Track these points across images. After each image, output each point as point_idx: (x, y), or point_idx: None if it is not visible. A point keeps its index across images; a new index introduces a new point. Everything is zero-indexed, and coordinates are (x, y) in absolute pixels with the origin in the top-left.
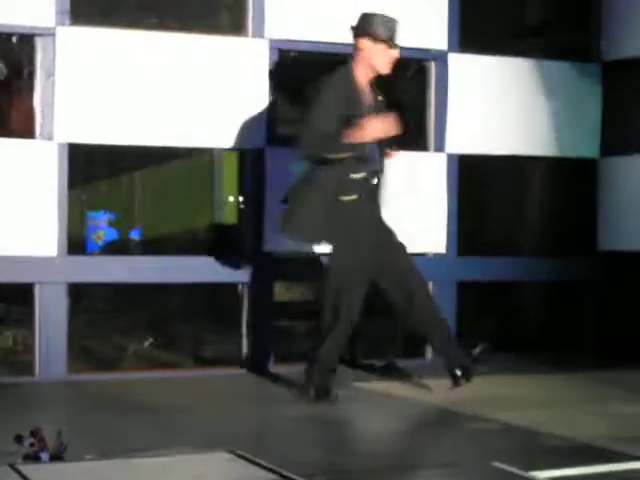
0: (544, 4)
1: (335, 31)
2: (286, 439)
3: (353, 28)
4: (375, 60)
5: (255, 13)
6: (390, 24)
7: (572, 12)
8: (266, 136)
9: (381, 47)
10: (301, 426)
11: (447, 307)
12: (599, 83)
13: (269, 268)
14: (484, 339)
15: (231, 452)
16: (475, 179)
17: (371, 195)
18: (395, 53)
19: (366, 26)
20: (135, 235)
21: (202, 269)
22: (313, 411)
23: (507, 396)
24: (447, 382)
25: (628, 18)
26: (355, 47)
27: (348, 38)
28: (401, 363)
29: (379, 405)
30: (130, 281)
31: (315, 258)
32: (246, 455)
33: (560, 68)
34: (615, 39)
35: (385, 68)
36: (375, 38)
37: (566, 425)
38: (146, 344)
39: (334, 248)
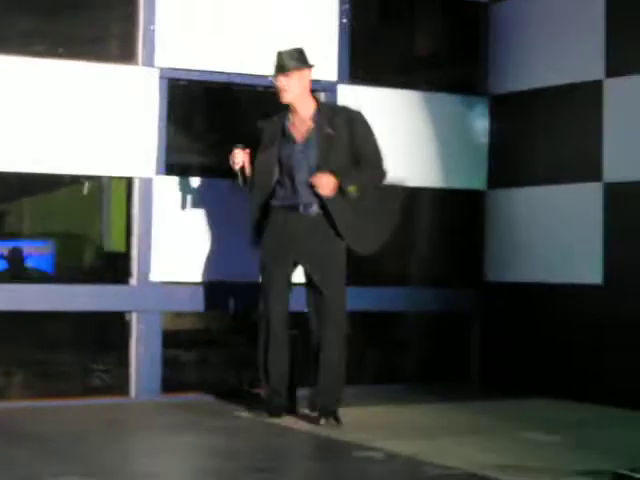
0: (434, 38)
1: (225, 61)
2: (173, 469)
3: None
4: None
5: (145, 42)
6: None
7: (461, 46)
8: (155, 165)
9: None
10: (189, 455)
11: None
12: (487, 116)
13: (156, 297)
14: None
15: None
16: None
17: None
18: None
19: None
20: (24, 262)
21: (89, 298)
22: (200, 441)
23: (392, 425)
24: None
25: (515, 53)
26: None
27: (237, 68)
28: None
29: (263, 435)
30: (16, 309)
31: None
32: None
33: (449, 101)
34: (503, 73)
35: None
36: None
37: (450, 454)
38: None
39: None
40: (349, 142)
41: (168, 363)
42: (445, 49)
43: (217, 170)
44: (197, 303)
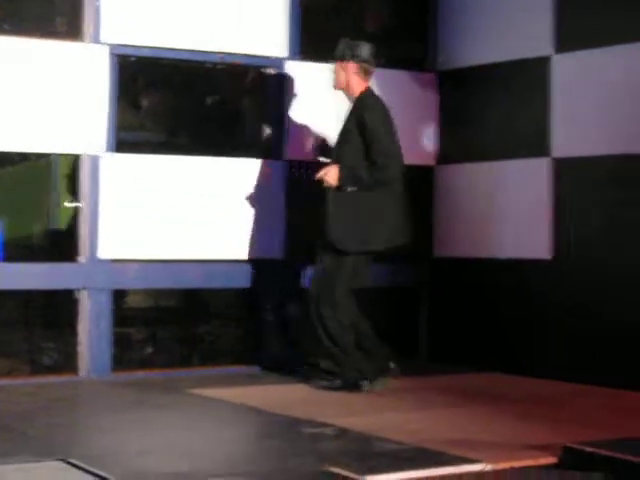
0: (383, 14)
1: (176, 37)
2: (123, 446)
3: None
4: None
5: (92, 18)
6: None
7: (410, 22)
8: (105, 142)
9: None
10: (137, 432)
11: (277, 316)
12: (436, 92)
13: (105, 274)
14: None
15: (65, 461)
16: (313, 186)
17: None
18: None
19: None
20: None
21: (38, 275)
22: (148, 417)
23: (342, 401)
24: (282, 387)
25: (464, 29)
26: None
27: (187, 44)
28: (236, 370)
29: (213, 411)
30: None
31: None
32: (80, 464)
33: (398, 76)
34: (450, 49)
35: None
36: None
37: (401, 430)
38: None
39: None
40: (360, 137)
41: (118, 341)
42: (394, 25)
43: (166, 147)
44: (146, 280)
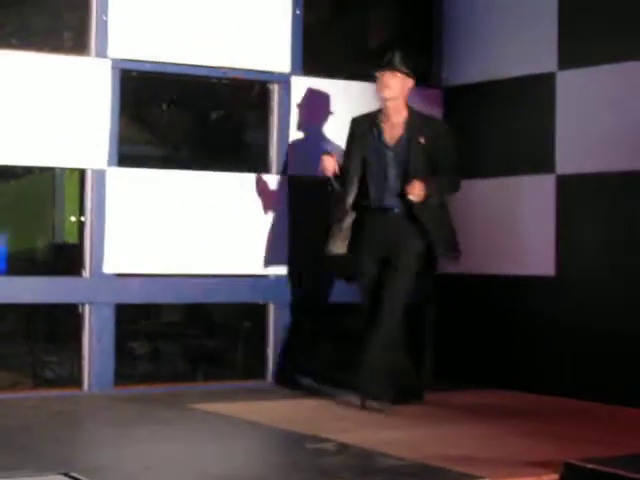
0: (387, 29)
1: (179, 52)
2: (125, 461)
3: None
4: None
5: (98, 33)
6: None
7: (415, 38)
8: (108, 156)
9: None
10: (139, 447)
11: (285, 330)
12: (440, 108)
13: (109, 289)
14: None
15: (67, 475)
16: (316, 201)
17: None
18: (380, 74)
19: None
20: None
21: (42, 289)
22: (150, 432)
23: (345, 417)
24: (286, 403)
25: (469, 45)
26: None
27: (191, 59)
28: (240, 385)
29: (216, 426)
30: None
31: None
32: (82, 478)
33: None
34: (456, 65)
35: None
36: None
37: (403, 445)
38: None
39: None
40: (433, 153)
41: (121, 355)
42: (398, 41)
43: (170, 161)
44: (149, 295)
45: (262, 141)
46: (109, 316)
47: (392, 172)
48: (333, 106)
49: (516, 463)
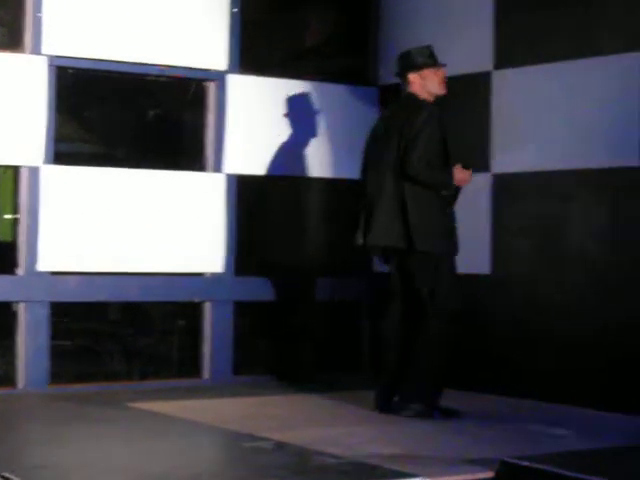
0: (324, 28)
1: (115, 49)
2: (59, 460)
3: (398, 72)
4: (430, 86)
5: (33, 29)
6: (423, 50)
7: (351, 36)
8: (43, 154)
9: (427, 72)
10: (74, 446)
11: (224, 327)
12: (375, 106)
13: (44, 287)
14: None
15: (1, 475)
16: (253, 200)
17: None
18: (443, 70)
19: (408, 63)
20: None
21: None
22: (85, 431)
23: (282, 415)
24: (223, 401)
25: (404, 43)
26: (408, 82)
27: (128, 56)
28: (176, 383)
29: (151, 425)
30: None
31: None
32: (15, 478)
33: (339, 91)
34: (391, 64)
35: (440, 89)
36: (419, 68)
37: (341, 444)
38: None
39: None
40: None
41: (56, 354)
42: (335, 39)
43: (106, 159)
44: (85, 293)
45: (199, 139)
46: (44, 314)
47: None
48: (269, 104)
49: (452, 461)
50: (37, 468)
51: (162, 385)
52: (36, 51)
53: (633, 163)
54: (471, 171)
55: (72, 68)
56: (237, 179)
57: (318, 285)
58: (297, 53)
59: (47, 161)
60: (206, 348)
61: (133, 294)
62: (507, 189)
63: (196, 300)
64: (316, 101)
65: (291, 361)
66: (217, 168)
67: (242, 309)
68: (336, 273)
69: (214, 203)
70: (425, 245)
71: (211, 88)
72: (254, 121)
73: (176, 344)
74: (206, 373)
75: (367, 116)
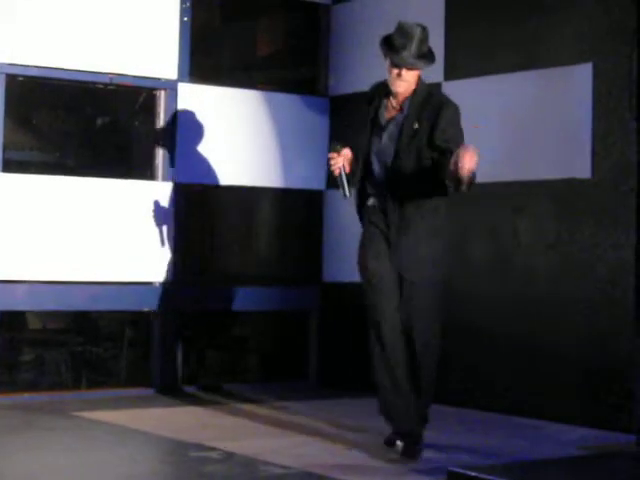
0: (276, 38)
1: (65, 57)
2: (6, 469)
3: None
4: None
5: None
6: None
7: (303, 47)
8: None
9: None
10: (21, 455)
11: (173, 336)
12: (327, 116)
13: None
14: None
15: None
16: (203, 209)
17: None
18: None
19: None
20: None
21: None
22: (33, 440)
23: (230, 425)
24: (172, 410)
25: (355, 54)
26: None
27: (77, 64)
28: (124, 393)
29: (99, 435)
30: None
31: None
32: None
33: (290, 101)
34: (342, 74)
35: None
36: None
37: (288, 454)
38: None
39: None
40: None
41: (4, 363)
42: (287, 49)
43: (56, 167)
44: (34, 302)
45: (148, 148)
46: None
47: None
48: (220, 113)
49: (401, 471)
50: None
51: (110, 394)
52: None
53: (585, 175)
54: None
55: (22, 76)
56: (186, 188)
57: (267, 295)
58: (248, 62)
59: None
60: (154, 357)
61: (82, 303)
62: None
63: (145, 309)
64: (267, 110)
65: (238, 371)
66: (166, 177)
67: (190, 319)
68: (285, 282)
69: (164, 212)
70: None
71: (161, 96)
72: (204, 130)
73: (125, 353)
74: (154, 382)
75: (317, 126)
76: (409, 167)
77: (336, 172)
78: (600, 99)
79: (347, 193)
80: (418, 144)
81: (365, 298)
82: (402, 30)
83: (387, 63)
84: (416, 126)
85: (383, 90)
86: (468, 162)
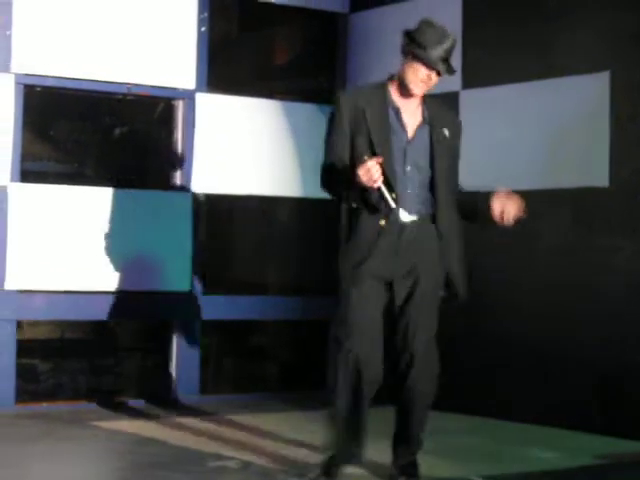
0: (293, 47)
1: (83, 68)
2: (26, 479)
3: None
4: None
5: (1, 47)
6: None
7: (320, 56)
8: (10, 172)
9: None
10: (41, 465)
11: (192, 346)
12: None
13: (11, 305)
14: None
15: None
16: (222, 218)
17: None
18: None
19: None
20: None
21: None
22: (52, 450)
23: (249, 434)
24: (190, 420)
25: (372, 63)
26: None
27: (96, 75)
28: (144, 402)
29: (117, 444)
30: None
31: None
32: None
33: (307, 110)
34: (361, 83)
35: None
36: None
37: (307, 464)
38: None
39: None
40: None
41: (23, 372)
42: (304, 59)
43: (74, 177)
44: (52, 312)
45: (166, 158)
46: (11, 332)
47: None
48: (237, 123)
49: None
50: None
51: (129, 404)
52: (4, 69)
53: (602, 184)
54: None
55: (40, 86)
56: (205, 198)
57: (286, 304)
58: (265, 72)
59: (14, 179)
60: (173, 367)
61: (100, 313)
62: None
63: (164, 319)
64: (284, 120)
65: (258, 380)
66: (185, 187)
67: (209, 328)
68: (305, 292)
69: (182, 221)
70: None
71: (179, 106)
72: (222, 140)
73: (143, 363)
74: (173, 392)
75: None
76: (445, 172)
77: (379, 183)
78: (617, 107)
79: (393, 204)
80: (451, 153)
81: None
82: (433, 29)
83: (411, 61)
84: (447, 133)
85: (383, 91)
86: (515, 212)
